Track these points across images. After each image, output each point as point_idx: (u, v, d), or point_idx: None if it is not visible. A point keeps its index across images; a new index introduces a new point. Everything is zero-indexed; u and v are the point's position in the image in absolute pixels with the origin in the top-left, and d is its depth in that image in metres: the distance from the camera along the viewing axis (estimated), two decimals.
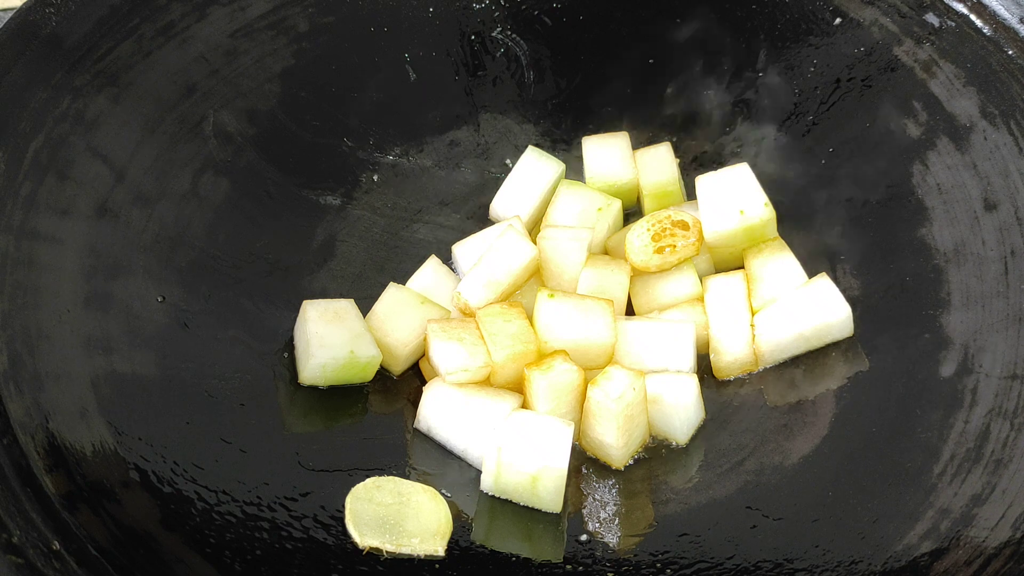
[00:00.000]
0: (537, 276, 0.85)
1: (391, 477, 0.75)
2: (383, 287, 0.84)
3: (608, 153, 0.93)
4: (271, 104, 0.90)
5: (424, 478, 0.76)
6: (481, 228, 0.90)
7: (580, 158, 0.94)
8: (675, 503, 0.76)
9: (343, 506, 0.73)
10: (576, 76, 0.98)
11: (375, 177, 0.93)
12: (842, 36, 0.92)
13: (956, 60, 0.87)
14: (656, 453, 0.80)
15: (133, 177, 0.81)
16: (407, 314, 0.83)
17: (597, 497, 0.77)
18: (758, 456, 0.78)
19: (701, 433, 0.80)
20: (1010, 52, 0.84)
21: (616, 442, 0.76)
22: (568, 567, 0.72)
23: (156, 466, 0.71)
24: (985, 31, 0.86)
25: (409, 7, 0.96)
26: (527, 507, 0.75)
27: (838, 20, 0.92)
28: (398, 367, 0.83)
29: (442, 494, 0.75)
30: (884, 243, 0.86)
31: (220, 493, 0.71)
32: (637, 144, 0.95)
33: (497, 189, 0.92)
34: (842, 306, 0.82)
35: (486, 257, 0.83)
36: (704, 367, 0.84)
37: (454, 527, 0.73)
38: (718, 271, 0.88)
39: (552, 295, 0.80)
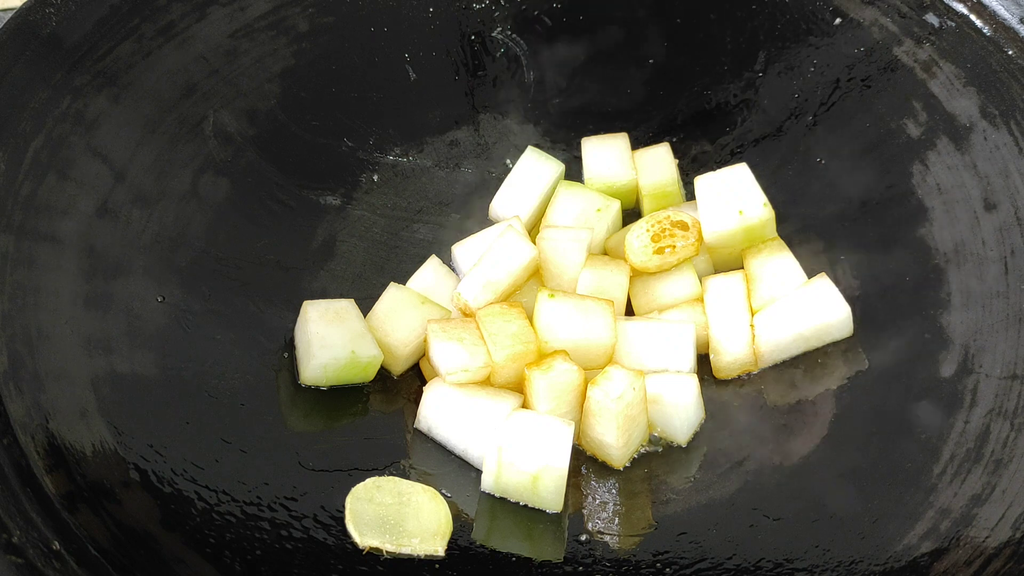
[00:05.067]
0: (537, 276, 0.85)
1: (391, 477, 0.75)
2: (383, 287, 0.84)
3: (607, 154, 0.93)
4: (271, 104, 0.90)
5: (424, 478, 0.76)
6: (481, 228, 0.89)
7: (580, 158, 0.94)
8: (675, 503, 0.76)
9: (343, 506, 0.73)
10: (576, 76, 0.98)
11: (375, 177, 0.93)
12: (842, 36, 0.92)
13: (956, 60, 0.87)
14: (656, 453, 0.80)
15: (133, 177, 0.81)
16: (407, 314, 0.83)
17: (597, 497, 0.77)
18: (758, 456, 0.78)
19: (701, 433, 0.80)
20: (1010, 52, 0.84)
21: (616, 442, 0.76)
22: (568, 567, 0.72)
23: (156, 466, 0.71)
24: (985, 31, 0.86)
25: (409, 7, 0.96)
26: (527, 507, 0.75)
27: (838, 20, 0.92)
28: (398, 367, 0.83)
29: (442, 494, 0.75)
30: (884, 243, 0.86)
31: (220, 493, 0.71)
32: (636, 145, 0.95)
33: (497, 189, 0.92)
34: (842, 306, 0.82)
35: (486, 257, 0.83)
36: (704, 367, 0.84)
37: (454, 527, 0.73)
38: (718, 271, 0.88)
39: (552, 295, 0.80)
